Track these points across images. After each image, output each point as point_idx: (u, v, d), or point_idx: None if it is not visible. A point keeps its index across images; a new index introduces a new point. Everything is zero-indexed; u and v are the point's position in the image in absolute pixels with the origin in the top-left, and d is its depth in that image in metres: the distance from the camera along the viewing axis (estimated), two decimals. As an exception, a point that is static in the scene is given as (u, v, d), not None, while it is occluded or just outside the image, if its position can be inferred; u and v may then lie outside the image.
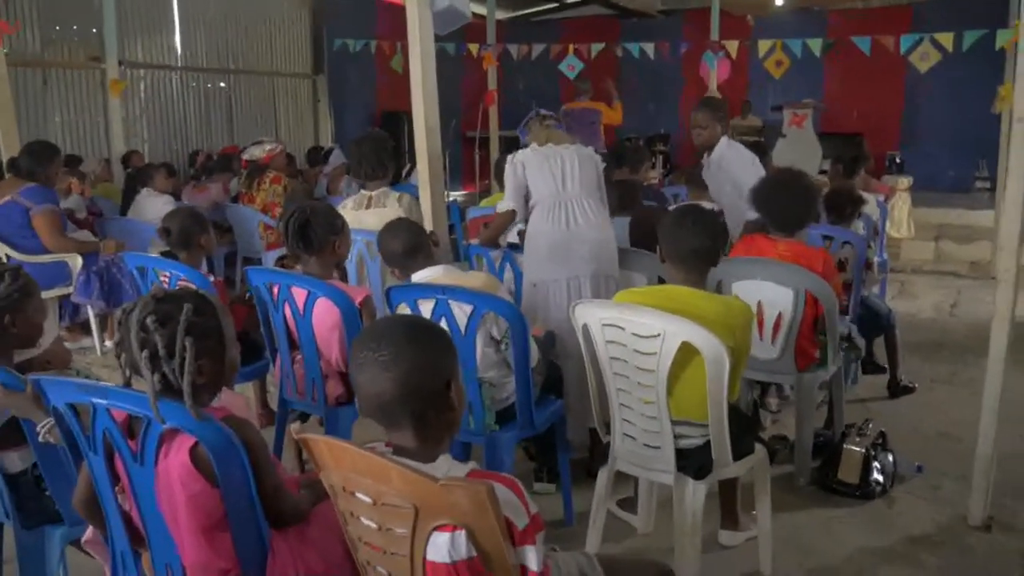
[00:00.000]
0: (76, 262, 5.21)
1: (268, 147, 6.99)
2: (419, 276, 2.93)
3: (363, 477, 1.47)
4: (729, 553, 2.96)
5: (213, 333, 1.76)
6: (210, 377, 1.76)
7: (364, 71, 11.83)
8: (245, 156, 7.06)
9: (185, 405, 1.64)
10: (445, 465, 1.51)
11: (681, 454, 2.52)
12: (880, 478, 3.39)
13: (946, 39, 7.26)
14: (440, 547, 1.43)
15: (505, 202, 3.62)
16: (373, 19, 11.66)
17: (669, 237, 2.57)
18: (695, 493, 2.52)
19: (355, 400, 3.06)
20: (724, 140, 4.34)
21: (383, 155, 4.10)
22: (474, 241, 4.24)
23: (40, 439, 1.98)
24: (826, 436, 3.73)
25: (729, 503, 3.00)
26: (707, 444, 2.49)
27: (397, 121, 11.57)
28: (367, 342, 1.54)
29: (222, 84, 10.59)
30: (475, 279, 2.91)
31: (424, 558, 1.45)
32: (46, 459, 2.07)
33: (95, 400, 1.70)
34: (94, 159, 8.24)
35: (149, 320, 1.66)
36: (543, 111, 3.88)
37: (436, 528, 1.43)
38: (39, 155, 5.09)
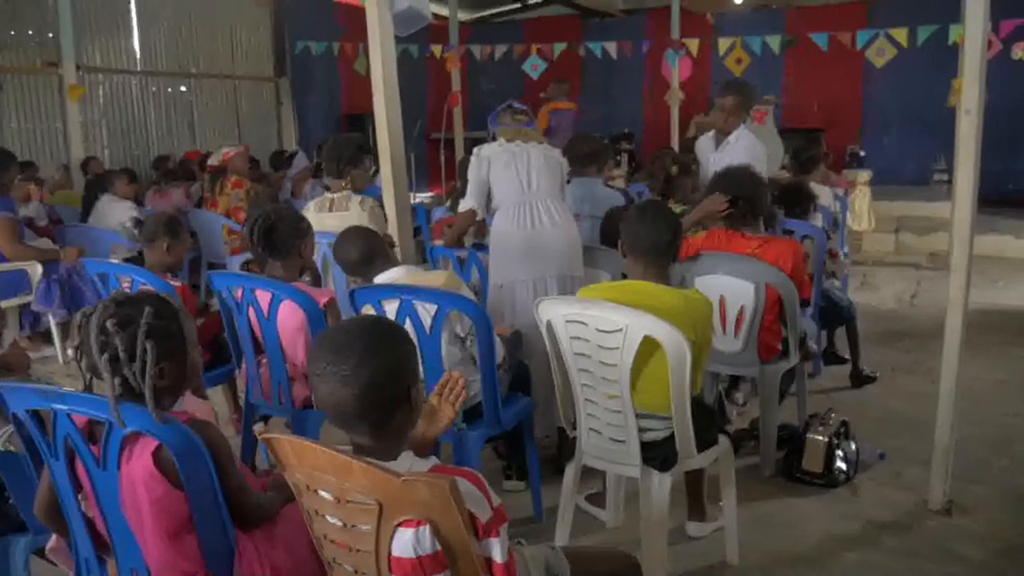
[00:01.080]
0: (36, 270, 5.15)
1: (225, 150, 6.93)
2: (382, 278, 2.93)
3: (326, 475, 1.48)
4: (696, 544, 3.00)
5: (174, 336, 1.75)
6: (172, 380, 1.75)
7: (327, 73, 11.77)
8: (211, 162, 7.00)
9: (147, 408, 1.63)
10: (407, 461, 1.53)
11: (646, 447, 2.56)
12: (843, 466, 3.45)
13: (900, 34, 7.41)
14: (405, 542, 1.44)
15: (465, 201, 3.61)
16: (334, 21, 11.60)
17: (630, 232, 2.61)
18: (661, 485, 2.55)
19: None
20: (744, 127, 4.48)
21: (343, 156, 4.09)
22: (438, 242, 4.24)
23: (0, 447, 1.96)
24: (791, 428, 3.78)
25: (696, 494, 3.04)
26: (671, 436, 2.53)
27: (361, 123, 11.51)
28: (325, 354, 1.52)
29: (183, 88, 10.47)
30: (437, 278, 2.92)
31: (389, 554, 1.46)
32: (7, 467, 2.05)
33: (55, 406, 1.69)
34: (52, 165, 8.11)
35: (109, 323, 1.66)
36: (516, 104, 3.87)
37: (400, 524, 1.44)
38: None
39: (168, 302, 1.78)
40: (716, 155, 4.45)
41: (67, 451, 1.74)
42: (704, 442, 2.61)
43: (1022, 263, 7.87)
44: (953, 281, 3.04)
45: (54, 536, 2.01)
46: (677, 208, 3.82)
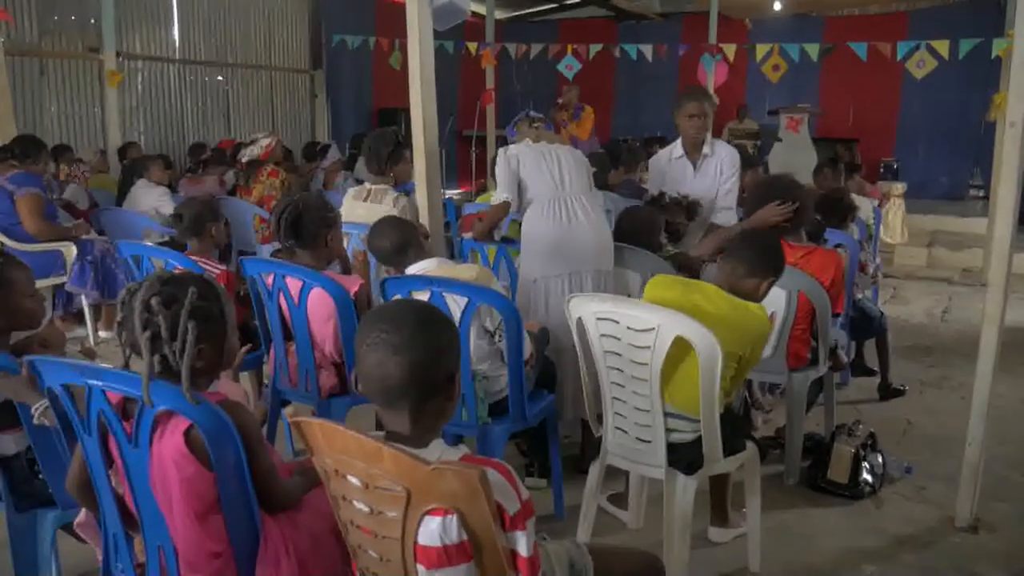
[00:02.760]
0: (70, 251, 5.22)
1: (264, 142, 6.98)
2: (412, 269, 2.94)
3: (355, 460, 1.49)
4: (718, 549, 2.98)
5: (215, 318, 1.77)
6: (209, 362, 1.77)
7: (361, 67, 11.84)
8: (244, 158, 7.05)
9: (181, 388, 1.65)
10: (438, 450, 1.53)
11: (672, 448, 2.54)
12: (869, 478, 3.41)
13: (942, 47, 7.31)
14: (431, 531, 1.44)
15: (498, 194, 3.61)
16: (372, 15, 11.68)
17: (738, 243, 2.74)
18: (685, 488, 2.54)
19: (348, 391, 3.08)
20: (710, 137, 4.22)
21: (384, 154, 4.13)
22: (467, 235, 4.24)
23: (35, 421, 1.99)
24: (817, 438, 3.75)
25: (720, 500, 3.02)
26: (698, 439, 2.51)
27: (393, 118, 11.58)
28: (379, 323, 1.54)
29: (220, 78, 10.58)
30: (468, 271, 2.92)
31: (415, 542, 1.46)
32: (40, 442, 2.08)
33: (90, 381, 1.70)
34: (89, 150, 8.23)
35: (154, 301, 1.67)
36: (532, 113, 3.90)
37: (428, 512, 1.44)
38: (27, 145, 5.26)
39: (212, 284, 1.79)
40: (697, 177, 4.17)
41: (100, 427, 1.75)
42: (731, 448, 2.60)
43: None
44: (990, 296, 2.99)
45: (83, 511, 2.04)
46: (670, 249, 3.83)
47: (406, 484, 1.43)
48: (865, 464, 3.41)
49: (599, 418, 2.76)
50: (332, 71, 11.63)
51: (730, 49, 8.78)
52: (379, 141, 4.17)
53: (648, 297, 2.69)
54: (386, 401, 1.55)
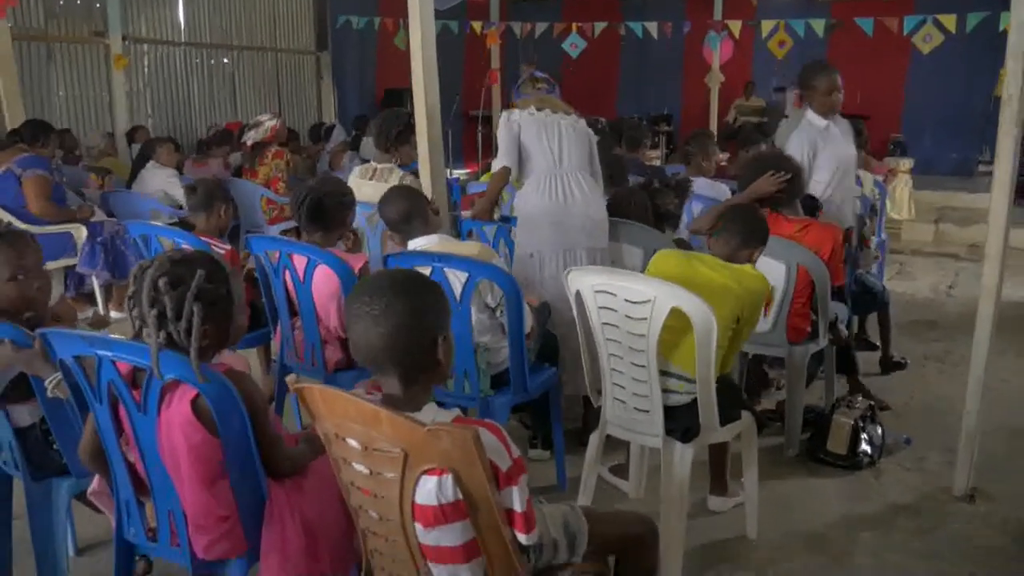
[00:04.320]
0: (80, 233, 5.29)
1: (268, 124, 7.01)
2: (415, 244, 2.99)
3: (354, 423, 1.54)
4: (717, 518, 3.04)
5: (221, 300, 1.83)
6: (214, 340, 1.83)
7: (366, 48, 11.84)
8: (248, 140, 7.09)
9: (188, 358, 1.71)
10: (431, 413, 1.58)
11: (670, 414, 2.59)
12: (868, 449, 3.45)
13: (949, 21, 7.28)
14: (428, 490, 1.50)
15: (498, 160, 3.62)
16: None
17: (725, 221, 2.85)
18: (682, 456, 2.59)
19: (354, 366, 3.14)
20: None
21: (392, 133, 4.20)
22: (466, 214, 4.26)
23: (48, 394, 2.05)
24: (817, 411, 3.79)
25: (719, 469, 3.07)
26: (694, 402, 2.56)
27: (399, 99, 11.58)
28: (360, 295, 1.60)
29: (225, 60, 10.61)
30: (471, 248, 2.97)
31: (413, 501, 1.52)
32: (54, 413, 2.14)
33: (100, 352, 1.76)
34: (96, 134, 8.29)
35: (161, 281, 1.73)
36: (538, 73, 3.88)
37: (424, 472, 1.49)
38: (36, 128, 5.42)
39: (221, 266, 1.85)
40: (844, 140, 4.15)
41: (110, 396, 1.82)
42: (727, 416, 2.64)
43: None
44: (987, 269, 3.02)
45: (96, 479, 2.10)
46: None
47: (403, 446, 1.48)
48: (864, 435, 3.46)
49: (599, 390, 2.81)
50: (337, 52, 11.63)
51: (736, 26, 8.75)
52: (390, 119, 4.25)
53: (652, 271, 2.76)
54: (375, 367, 1.61)
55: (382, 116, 4.37)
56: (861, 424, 3.46)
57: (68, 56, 8.61)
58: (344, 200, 3.24)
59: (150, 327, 1.72)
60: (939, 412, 3.95)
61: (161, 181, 6.26)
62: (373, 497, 1.59)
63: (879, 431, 3.54)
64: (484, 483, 1.46)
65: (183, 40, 9.93)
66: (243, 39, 10.67)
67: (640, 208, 3.76)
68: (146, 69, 9.56)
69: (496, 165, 3.66)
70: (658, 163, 7.77)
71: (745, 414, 2.79)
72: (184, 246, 3.42)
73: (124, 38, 8.73)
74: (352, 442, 1.57)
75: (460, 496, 1.49)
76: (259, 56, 10.94)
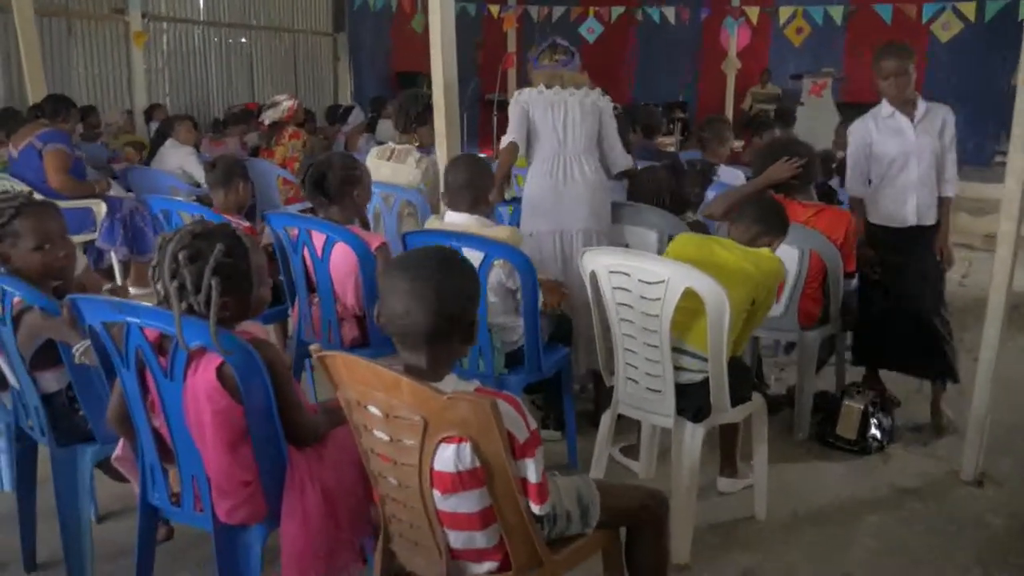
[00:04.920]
0: (100, 208, 5.36)
1: (286, 104, 7.06)
2: (450, 218, 3.05)
3: (376, 391, 1.59)
4: (726, 498, 3.08)
5: (240, 274, 1.87)
6: (234, 312, 1.88)
7: (382, 30, 11.85)
8: (265, 120, 7.13)
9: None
10: (451, 383, 1.63)
11: (681, 393, 2.63)
12: (878, 434, 3.48)
13: (968, 8, 7.23)
14: (447, 458, 1.55)
15: (507, 136, 3.65)
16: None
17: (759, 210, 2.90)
18: (693, 435, 2.63)
19: (370, 343, 3.19)
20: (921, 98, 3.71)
21: (412, 114, 4.24)
22: None
23: (76, 361, 2.10)
24: (828, 396, 3.81)
25: (729, 451, 3.11)
26: (706, 381, 2.60)
27: (413, 82, 11.61)
28: (399, 270, 1.64)
29: (243, 40, 10.65)
30: (501, 231, 3.01)
31: (431, 468, 1.57)
32: (80, 380, 2.19)
33: (128, 318, 1.82)
34: (115, 111, 8.36)
35: (181, 255, 1.78)
36: (560, 41, 3.83)
37: (443, 440, 1.54)
38: (57, 103, 5.48)
39: (241, 240, 1.89)
40: (918, 132, 3.63)
41: (137, 362, 1.87)
42: (738, 397, 2.68)
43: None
44: (999, 254, 3.04)
45: (120, 444, 2.16)
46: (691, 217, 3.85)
47: (423, 413, 1.53)
48: (874, 420, 3.49)
49: (611, 370, 2.85)
50: (354, 34, 11.66)
51: (753, 12, 8.71)
52: (410, 100, 4.29)
53: (671, 254, 2.80)
54: (406, 339, 1.64)
55: (402, 97, 4.41)
56: (871, 409, 3.49)
57: (88, 32, 8.68)
58: (351, 174, 3.20)
59: (172, 299, 1.76)
60: (949, 398, 3.96)
61: (180, 159, 6.31)
62: (393, 464, 1.64)
63: (889, 417, 3.56)
64: (501, 452, 1.51)
65: (202, 19, 9.98)
66: (261, 19, 10.71)
67: (654, 191, 3.78)
68: (165, 47, 9.62)
69: (504, 141, 3.69)
70: (672, 150, 7.76)
71: (756, 396, 2.83)
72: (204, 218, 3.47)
73: (144, 15, 8.80)
74: (373, 409, 1.62)
75: (478, 464, 1.54)
76: (276, 36, 10.99)
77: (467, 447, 1.53)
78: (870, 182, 3.73)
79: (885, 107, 3.69)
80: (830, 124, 9.69)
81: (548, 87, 3.64)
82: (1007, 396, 3.33)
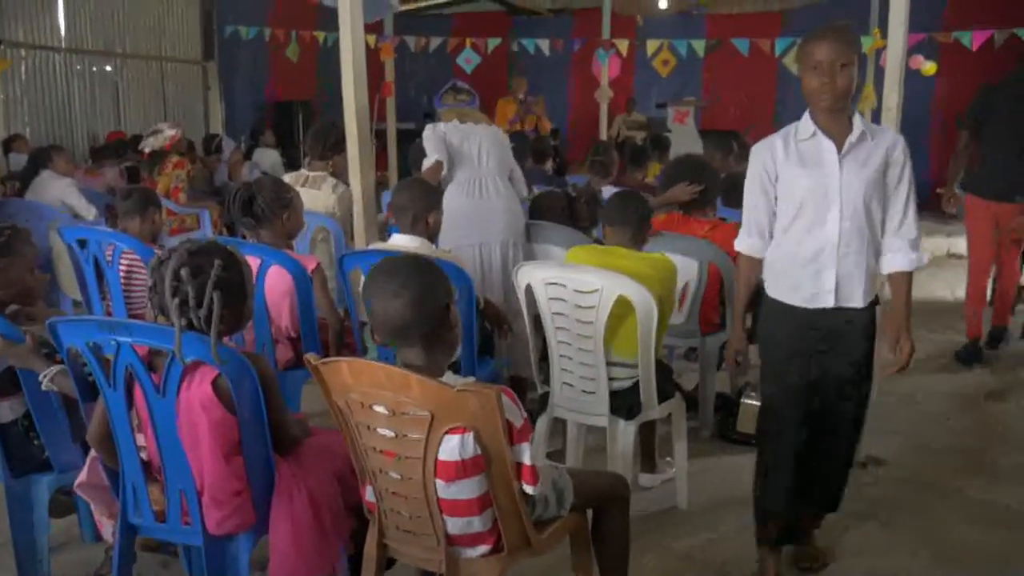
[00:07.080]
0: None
1: (168, 133, 6.94)
2: (395, 240, 3.21)
3: (383, 390, 1.72)
4: (649, 492, 3.33)
5: (237, 287, 1.98)
6: (230, 325, 1.97)
7: (256, 59, 11.73)
8: (145, 148, 6.98)
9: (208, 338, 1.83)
10: (452, 379, 1.79)
11: (614, 397, 2.86)
12: (774, 427, 3.82)
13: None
14: (452, 448, 1.70)
15: (428, 159, 3.87)
16: (264, 6, 11.56)
17: (614, 210, 3.08)
18: (625, 432, 2.86)
19: (302, 365, 3.24)
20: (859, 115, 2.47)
21: (329, 142, 4.37)
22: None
23: (43, 387, 2.10)
24: (725, 396, 4.12)
25: (648, 448, 3.36)
26: (635, 385, 2.84)
27: (288, 111, 11.56)
28: (379, 277, 1.83)
29: (108, 68, 10.29)
30: (444, 253, 3.20)
31: (436, 458, 1.71)
32: (40, 408, 2.18)
33: (120, 338, 1.86)
34: (-31, 142, 7.91)
35: (183, 271, 1.86)
36: (459, 83, 4.18)
37: (448, 431, 1.69)
38: None
39: (235, 255, 1.99)
40: (845, 168, 2.36)
41: (126, 381, 1.91)
42: (662, 394, 2.94)
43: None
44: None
45: (85, 470, 2.17)
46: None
47: (431, 408, 1.67)
48: (769, 415, 3.82)
49: (543, 379, 3.05)
50: (225, 62, 11.47)
51: (623, 44, 9.22)
52: (327, 129, 4.44)
53: (570, 260, 3.05)
54: (400, 337, 1.82)
55: (318, 125, 4.58)
56: (766, 406, 3.82)
57: (-60, 60, 8.19)
58: (281, 197, 3.27)
59: (173, 315, 1.83)
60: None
61: (59, 190, 6.06)
62: (396, 459, 1.77)
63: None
64: (501, 439, 1.68)
65: (63, 46, 9.59)
66: (127, 47, 10.39)
67: (560, 211, 4.08)
68: (23, 75, 9.17)
69: (426, 164, 3.87)
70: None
71: (676, 393, 3.09)
72: (126, 251, 3.45)
73: (0, 42, 8.38)
74: (379, 408, 1.74)
75: (479, 452, 1.69)
76: (144, 65, 10.67)
77: (470, 436, 1.69)
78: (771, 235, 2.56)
79: (805, 124, 2.44)
80: (693, 149, 10.38)
81: (461, 122, 3.91)
82: (886, 387, 3.73)
